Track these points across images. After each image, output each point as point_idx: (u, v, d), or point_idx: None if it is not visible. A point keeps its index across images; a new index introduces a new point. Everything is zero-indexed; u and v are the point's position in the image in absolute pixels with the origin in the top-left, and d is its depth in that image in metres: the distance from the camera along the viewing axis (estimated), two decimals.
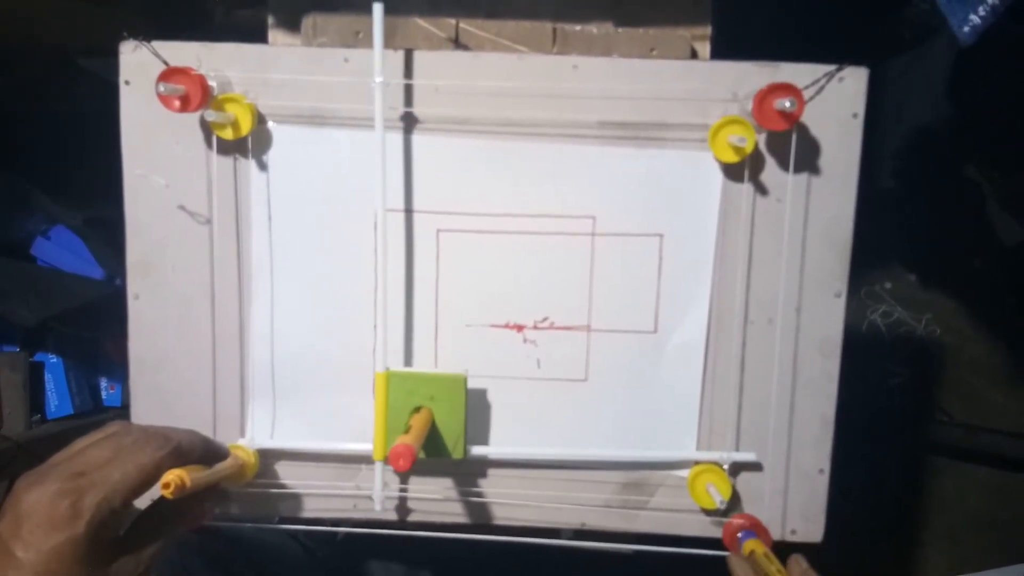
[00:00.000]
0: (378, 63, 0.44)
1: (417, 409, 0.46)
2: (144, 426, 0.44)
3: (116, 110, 0.49)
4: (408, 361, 0.51)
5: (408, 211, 0.50)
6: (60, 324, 0.91)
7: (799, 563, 0.45)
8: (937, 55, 0.96)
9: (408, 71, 0.48)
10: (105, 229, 0.90)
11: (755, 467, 0.51)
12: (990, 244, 1.15)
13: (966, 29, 0.72)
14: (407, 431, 0.44)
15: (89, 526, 0.36)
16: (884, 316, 1.21)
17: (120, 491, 0.38)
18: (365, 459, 0.51)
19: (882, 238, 1.18)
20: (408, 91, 0.48)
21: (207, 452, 0.45)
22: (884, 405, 1.18)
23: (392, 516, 0.52)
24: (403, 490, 0.51)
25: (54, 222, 0.95)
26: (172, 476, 0.38)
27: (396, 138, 0.49)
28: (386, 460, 0.45)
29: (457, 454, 0.47)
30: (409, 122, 0.49)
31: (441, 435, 0.47)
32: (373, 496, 0.48)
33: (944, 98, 0.98)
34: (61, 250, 0.95)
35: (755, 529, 0.48)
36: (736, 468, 0.51)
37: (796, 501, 0.51)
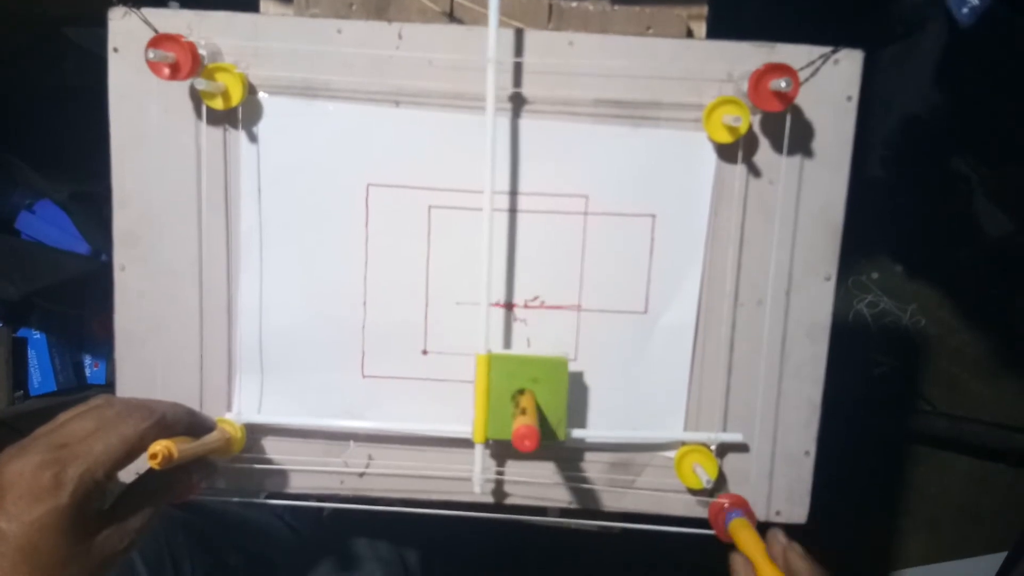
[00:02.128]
0: (492, 40, 0.44)
1: (520, 391, 0.46)
2: (128, 399, 0.43)
3: (103, 83, 0.48)
4: (402, 338, 0.50)
5: (399, 187, 0.49)
6: (44, 300, 0.90)
7: (777, 537, 0.45)
8: (929, 45, 0.96)
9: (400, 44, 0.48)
10: (91, 204, 0.89)
11: (742, 448, 0.51)
12: (976, 236, 1.15)
13: (964, 11, 0.73)
14: (523, 413, 0.43)
15: (72, 497, 0.36)
16: (870, 306, 1.22)
17: (103, 463, 0.38)
18: (353, 435, 0.51)
19: (869, 228, 1.18)
20: (393, 65, 0.48)
21: (192, 424, 0.44)
22: (868, 394, 1.19)
23: (377, 493, 0.52)
24: (369, 467, 0.51)
25: (39, 196, 0.94)
26: (159, 447, 0.38)
27: (385, 112, 0.48)
28: (486, 443, 0.47)
29: (560, 436, 0.46)
30: (400, 96, 0.48)
31: (545, 417, 0.46)
32: (473, 479, 0.47)
33: (934, 89, 0.98)
34: (46, 225, 0.93)
35: (740, 509, 0.49)
36: (723, 449, 0.51)
37: (781, 483, 0.51)
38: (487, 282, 0.46)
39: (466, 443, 0.51)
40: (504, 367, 0.46)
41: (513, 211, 0.49)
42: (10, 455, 0.37)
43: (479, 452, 0.48)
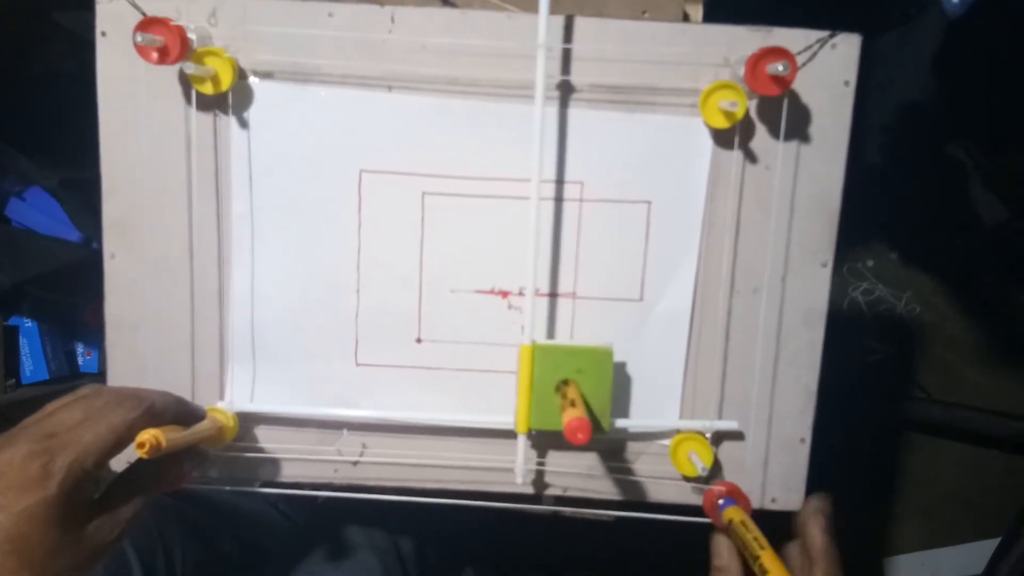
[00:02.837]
0: (543, 25, 0.43)
1: (565, 382, 0.45)
2: (117, 388, 0.43)
3: (92, 68, 0.47)
4: (396, 326, 0.50)
5: (392, 173, 0.49)
6: (36, 287, 0.90)
7: (812, 501, 0.46)
8: (926, 33, 0.96)
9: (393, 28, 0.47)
10: (81, 191, 0.89)
11: (737, 436, 0.51)
12: (972, 224, 1.15)
13: (955, 0, 0.72)
14: (572, 404, 0.42)
15: (61, 487, 0.36)
16: (865, 293, 1.22)
17: (92, 452, 0.37)
18: (347, 424, 0.51)
19: (865, 216, 1.18)
20: (385, 49, 0.47)
21: (182, 413, 0.44)
22: (863, 381, 1.19)
23: (371, 482, 0.52)
24: (361, 452, 0.51)
25: (29, 183, 0.93)
26: (147, 436, 0.37)
27: (378, 97, 0.48)
28: (529, 433, 0.46)
29: (604, 427, 0.46)
30: (393, 81, 0.48)
31: (590, 408, 0.45)
32: (516, 469, 0.47)
33: (931, 76, 0.97)
34: (36, 212, 0.93)
35: (735, 496, 0.49)
36: (718, 437, 0.51)
37: (777, 470, 0.51)
38: (533, 272, 0.46)
39: (463, 432, 0.51)
40: (549, 358, 0.45)
41: (507, 198, 0.49)
42: None
43: (521, 442, 0.47)
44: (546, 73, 0.44)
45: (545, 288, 0.50)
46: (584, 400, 0.45)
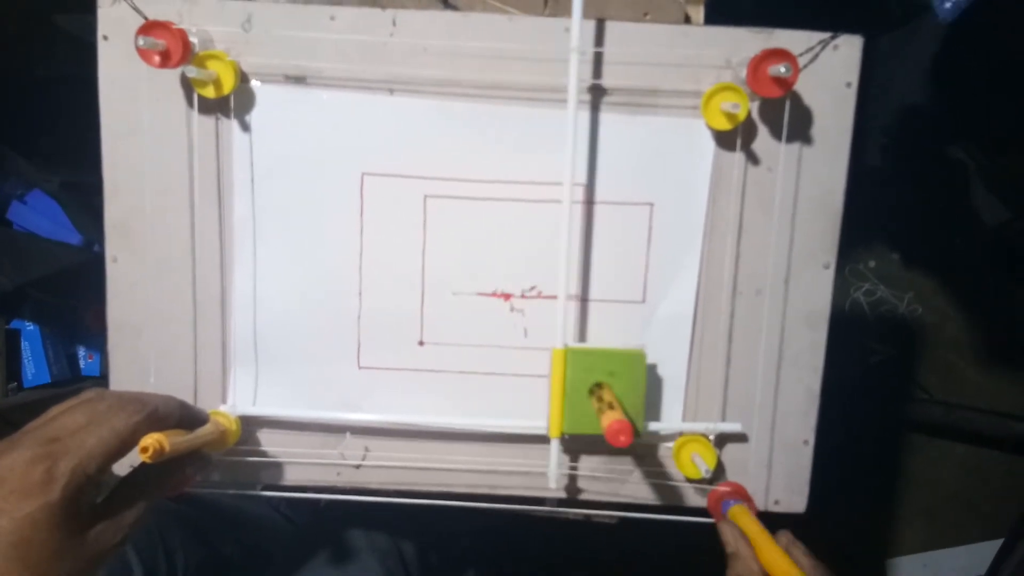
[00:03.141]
0: (576, 29, 0.43)
1: (599, 385, 0.45)
2: (120, 392, 0.43)
3: (94, 72, 0.47)
4: (398, 329, 0.50)
5: (394, 176, 0.49)
6: (37, 291, 0.90)
7: (781, 536, 0.45)
8: (926, 34, 0.96)
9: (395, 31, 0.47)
10: (82, 193, 0.89)
11: (740, 438, 0.51)
12: (973, 224, 1.15)
13: (947, 6, 0.72)
14: (610, 407, 0.42)
15: (64, 492, 0.36)
16: (867, 294, 1.22)
17: (95, 456, 0.37)
18: (350, 427, 0.51)
19: (867, 217, 1.18)
20: (387, 52, 0.47)
21: (184, 417, 0.44)
22: (865, 382, 1.19)
23: (374, 485, 0.52)
24: (363, 456, 0.51)
25: (31, 186, 0.93)
26: (150, 440, 0.37)
27: (380, 100, 0.48)
28: (563, 438, 0.45)
29: (639, 430, 0.45)
30: (395, 83, 0.48)
31: (624, 411, 0.45)
32: (549, 474, 0.46)
33: (931, 77, 0.97)
34: (38, 215, 0.93)
35: (739, 497, 0.48)
36: (722, 439, 0.51)
37: (780, 472, 0.51)
38: (564, 276, 0.45)
39: (466, 435, 0.51)
40: (581, 361, 0.45)
41: (509, 200, 0.49)
42: (0, 450, 0.37)
43: (555, 447, 0.46)
44: (578, 77, 0.44)
45: (548, 291, 0.50)
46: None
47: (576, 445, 0.51)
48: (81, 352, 1.01)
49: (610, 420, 0.40)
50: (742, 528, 0.44)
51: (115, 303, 0.50)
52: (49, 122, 0.88)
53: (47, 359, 0.95)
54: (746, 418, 0.50)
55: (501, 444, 0.51)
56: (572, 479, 0.51)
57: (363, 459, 0.51)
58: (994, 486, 1.20)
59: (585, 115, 0.48)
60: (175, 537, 0.61)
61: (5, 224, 0.94)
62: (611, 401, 0.43)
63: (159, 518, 0.61)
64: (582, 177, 0.48)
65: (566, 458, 0.51)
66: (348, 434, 0.51)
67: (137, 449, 0.38)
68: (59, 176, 0.88)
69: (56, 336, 0.97)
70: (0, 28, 0.86)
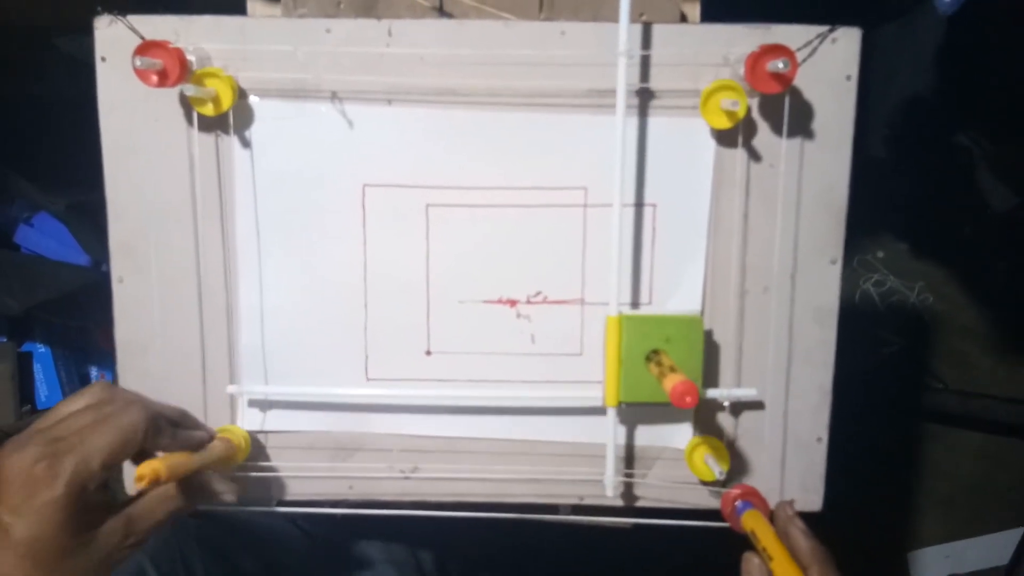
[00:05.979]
0: (623, 32, 0.43)
1: (655, 351, 0.45)
2: (127, 391, 0.44)
3: (94, 92, 0.48)
4: (405, 339, 0.50)
5: (396, 186, 0.49)
6: (47, 313, 0.90)
7: (784, 509, 0.45)
8: (926, 23, 0.95)
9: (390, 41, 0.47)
10: (88, 214, 0.89)
11: (753, 437, 0.50)
12: (981, 211, 1.14)
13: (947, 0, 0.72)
14: (672, 370, 0.42)
15: (68, 487, 0.37)
16: (877, 285, 1.21)
17: (99, 452, 0.38)
18: (360, 440, 0.51)
19: (874, 207, 1.17)
20: (384, 62, 0.47)
21: (187, 422, 0.46)
22: (878, 374, 1.18)
23: (389, 497, 0.51)
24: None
25: (37, 209, 0.94)
26: (147, 468, 0.37)
27: (378, 111, 0.48)
28: (619, 406, 0.45)
29: (701, 394, 0.44)
30: (393, 94, 0.47)
31: None
32: (607, 468, 0.46)
33: (933, 66, 0.97)
34: (45, 237, 0.93)
35: (752, 499, 0.48)
36: (733, 440, 0.50)
37: (794, 471, 0.51)
38: (617, 255, 0.45)
39: (477, 442, 0.50)
40: (637, 328, 0.45)
41: (511, 206, 0.49)
42: (9, 450, 0.38)
43: (611, 416, 0.46)
44: (627, 81, 0.44)
45: (553, 296, 0.49)
46: None
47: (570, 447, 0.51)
48: (93, 372, 1.02)
49: (674, 382, 0.39)
50: (759, 536, 0.43)
51: (123, 324, 0.50)
52: (53, 144, 0.89)
53: (60, 380, 0.95)
54: (758, 417, 0.50)
55: (518, 455, 0.51)
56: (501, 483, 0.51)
57: (376, 472, 0.51)
58: (1013, 474, 1.19)
59: (583, 118, 0.47)
60: (194, 553, 0.61)
61: (13, 248, 0.94)
62: (672, 365, 0.42)
63: (178, 533, 0.61)
64: (586, 181, 0.48)
65: (622, 464, 0.50)
66: (360, 447, 0.51)
67: (134, 477, 0.38)
68: (65, 198, 0.88)
69: (68, 357, 0.98)
70: (2, 51, 0.86)
